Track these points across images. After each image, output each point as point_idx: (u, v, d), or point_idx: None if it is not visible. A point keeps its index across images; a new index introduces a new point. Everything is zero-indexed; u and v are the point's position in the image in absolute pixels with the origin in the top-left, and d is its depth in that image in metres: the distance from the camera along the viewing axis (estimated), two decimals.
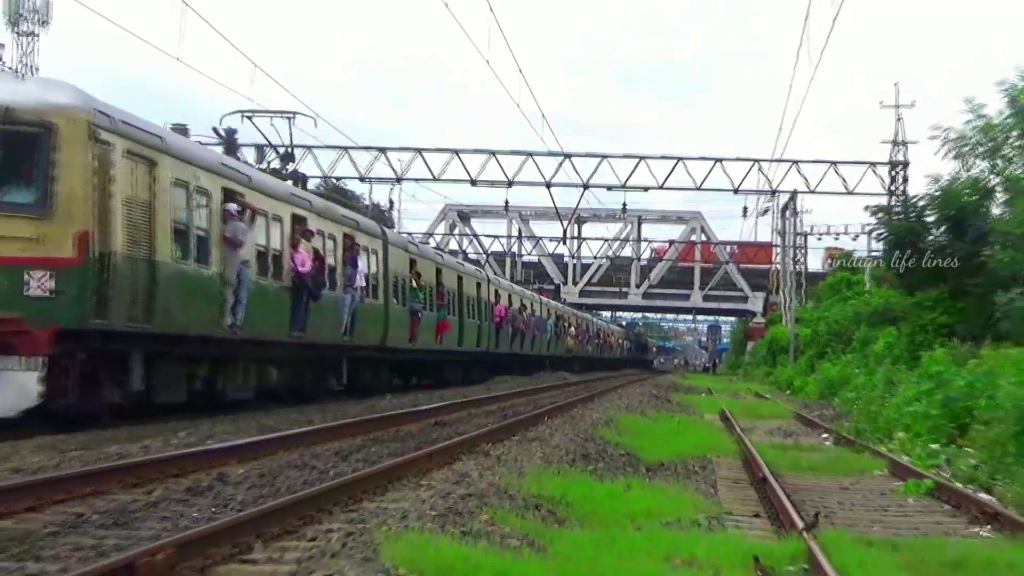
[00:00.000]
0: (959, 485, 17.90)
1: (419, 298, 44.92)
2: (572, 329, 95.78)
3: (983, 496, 16.49)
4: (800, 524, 12.93)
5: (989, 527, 14.28)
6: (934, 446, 23.52)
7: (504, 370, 68.24)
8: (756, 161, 68.92)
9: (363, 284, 36.55)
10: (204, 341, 26.91)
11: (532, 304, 78.34)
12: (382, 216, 67.26)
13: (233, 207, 27.16)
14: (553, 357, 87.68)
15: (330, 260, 34.20)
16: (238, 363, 29.40)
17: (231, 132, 33.23)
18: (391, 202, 77.10)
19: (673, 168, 69.98)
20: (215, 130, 32.96)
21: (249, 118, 35.44)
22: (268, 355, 31.30)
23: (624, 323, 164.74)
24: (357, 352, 38.53)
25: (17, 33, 46.82)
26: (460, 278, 55.44)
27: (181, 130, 29.19)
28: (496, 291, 65.48)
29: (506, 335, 66.25)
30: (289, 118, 35.89)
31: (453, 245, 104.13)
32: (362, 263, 36.52)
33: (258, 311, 28.35)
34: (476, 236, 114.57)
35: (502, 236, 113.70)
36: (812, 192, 69.95)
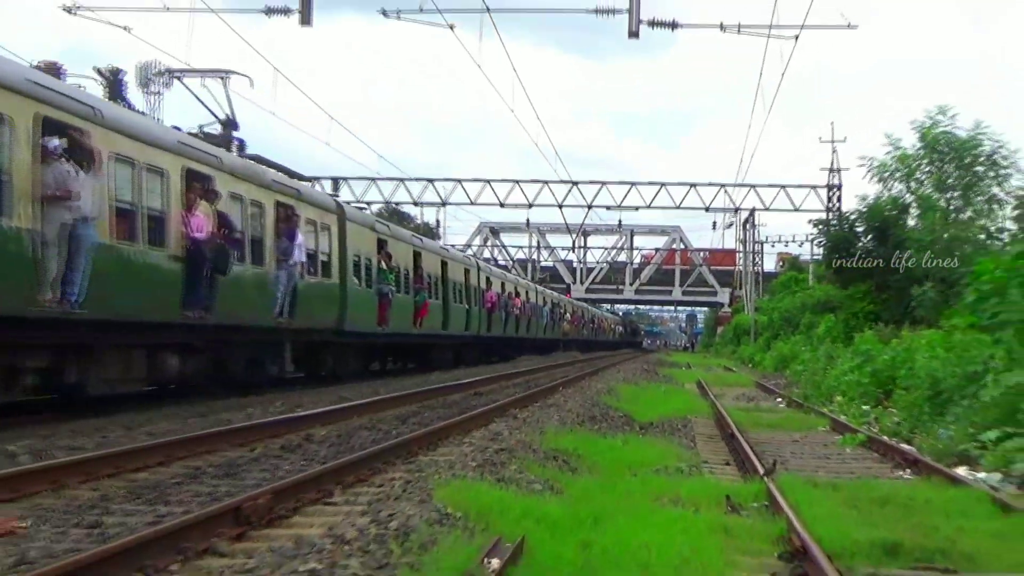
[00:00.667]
0: (885, 438, 17.81)
1: (389, 280, 34.01)
2: (568, 315, 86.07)
3: (904, 446, 16.40)
4: (761, 470, 12.88)
5: (909, 471, 14.20)
6: (865, 407, 23.46)
7: (501, 353, 58.78)
8: (723, 186, 69.25)
9: (303, 260, 25.99)
10: (12, 323, 16.21)
11: (527, 292, 67.62)
12: (431, 232, 67.23)
13: (55, 143, 17.21)
14: (550, 340, 77.20)
15: (254, 230, 23.89)
16: (103, 351, 19.01)
17: (116, 72, 22.14)
18: (438, 221, 77.30)
19: (658, 192, 70.35)
20: (97, 70, 21.98)
21: (178, 78, 26.19)
22: (153, 340, 20.61)
23: (620, 313, 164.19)
24: (306, 336, 28.07)
25: (147, 93, 46.93)
26: (444, 263, 44.41)
27: (52, 69, 19.31)
28: (487, 278, 54.28)
29: (499, 320, 55.33)
30: (223, 78, 26.04)
31: (487, 254, 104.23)
32: (303, 237, 25.95)
33: (120, 284, 18.37)
34: (504, 247, 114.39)
35: (524, 246, 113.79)
36: (767, 209, 70.48)
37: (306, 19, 21.78)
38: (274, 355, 26.56)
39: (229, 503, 8.92)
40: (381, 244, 34.07)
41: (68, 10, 24.34)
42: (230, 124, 25.78)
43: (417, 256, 38.94)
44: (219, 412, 18.77)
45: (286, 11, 22.25)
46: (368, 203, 64.13)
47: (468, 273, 48.89)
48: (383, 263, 33.64)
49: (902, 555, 8.41)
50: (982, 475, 13.29)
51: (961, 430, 16.11)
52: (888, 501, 10.98)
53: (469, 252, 72.52)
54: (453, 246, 55.58)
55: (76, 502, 9.68)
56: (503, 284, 59.05)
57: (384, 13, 24.70)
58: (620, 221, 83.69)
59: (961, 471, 13.52)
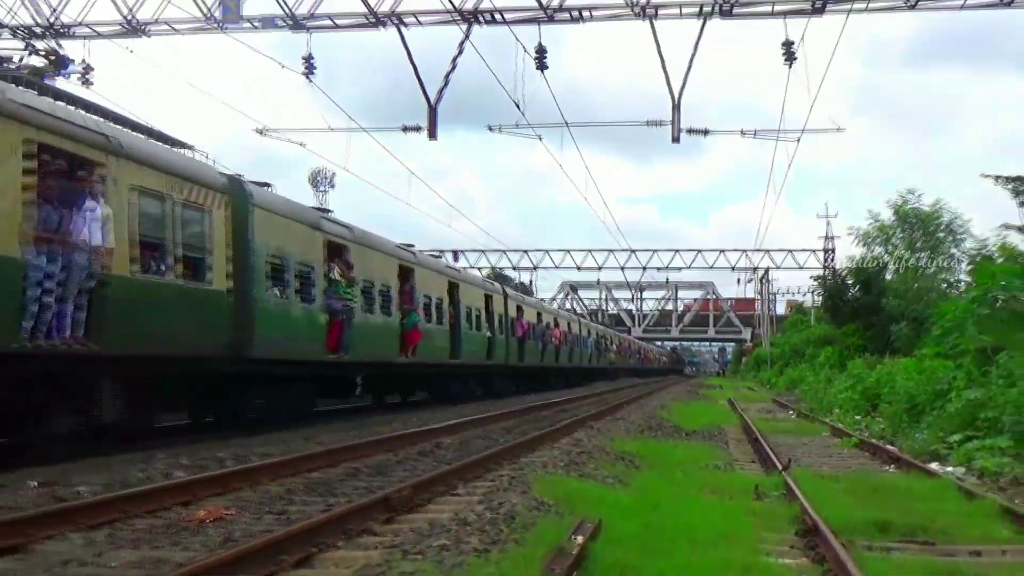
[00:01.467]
0: (874, 440, 17.47)
1: (345, 295, 20.43)
2: (614, 346, 71.94)
3: (889, 447, 16.07)
4: (779, 466, 12.68)
5: (893, 466, 13.90)
6: (857, 417, 23.11)
7: (544, 381, 45.64)
8: (744, 251, 69.86)
9: (108, 244, 12.65)
10: None
11: (569, 323, 53.17)
12: (527, 289, 67.24)
13: None
14: (595, 368, 62.62)
15: None
16: None
17: None
18: (531, 281, 77.22)
19: (695, 257, 71.13)
20: None
21: None
22: None
23: (669, 347, 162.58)
24: (159, 366, 15.06)
25: (316, 190, 47.88)
26: (454, 285, 29.98)
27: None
28: (518, 306, 39.25)
29: (534, 349, 41.05)
30: None
31: (567, 305, 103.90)
32: (105, 209, 12.70)
33: None
34: (581, 300, 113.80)
35: (596, 299, 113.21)
36: (778, 268, 70.89)
37: (432, 134, 21.96)
38: (73, 399, 13.14)
39: (380, 495, 8.91)
40: (336, 250, 20.49)
41: (260, 132, 24.80)
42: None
43: (407, 272, 25.18)
44: (371, 426, 18.85)
45: (418, 128, 22.49)
46: (480, 268, 64.76)
47: (490, 299, 34.66)
48: (339, 273, 20.32)
49: (891, 531, 8.28)
50: (950, 469, 13.05)
51: (932, 434, 15.88)
52: (878, 489, 10.78)
53: (554, 305, 71.27)
54: (542, 299, 54.65)
55: (268, 495, 9.75)
56: (539, 314, 44.87)
57: (490, 128, 24.96)
58: (667, 279, 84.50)
59: (933, 466, 13.27)
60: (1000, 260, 22.91)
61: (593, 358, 60.03)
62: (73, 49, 22.14)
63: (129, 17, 21.78)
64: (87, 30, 22.26)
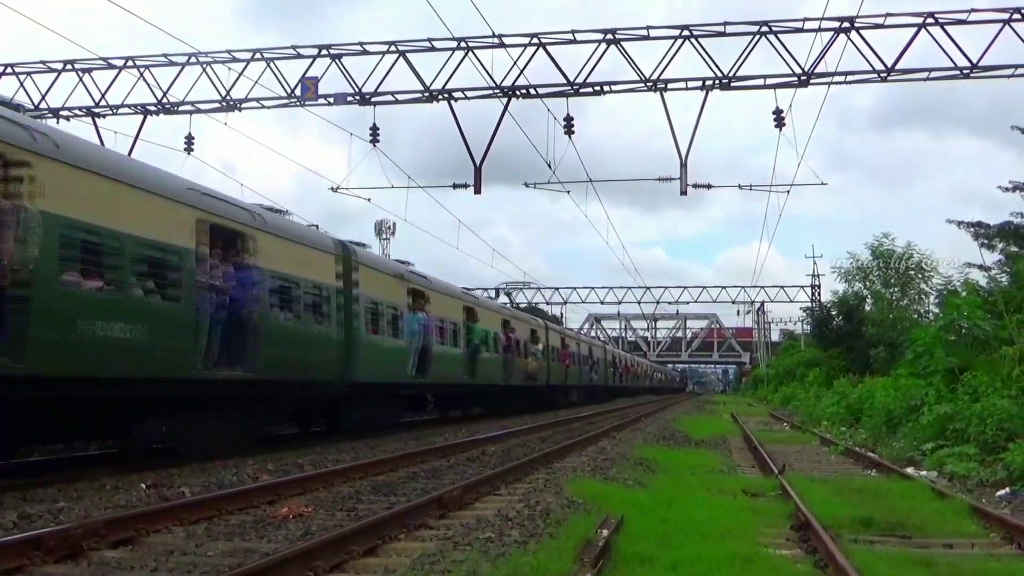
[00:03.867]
0: (857, 448, 17.19)
1: None
2: (539, 346, 34.70)
3: (870, 454, 15.81)
4: (776, 470, 12.51)
5: (874, 470, 13.67)
6: (842, 428, 22.79)
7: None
8: (743, 287, 69.65)
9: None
10: None
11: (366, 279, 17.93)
12: (558, 320, 67.03)
13: None
14: (485, 387, 26.98)
15: None
16: None
17: None
18: (562, 313, 76.98)
19: (701, 292, 70.66)
20: None
21: None
22: None
23: (679, 369, 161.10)
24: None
25: (379, 239, 48.11)
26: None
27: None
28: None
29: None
30: None
31: (592, 334, 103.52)
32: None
33: None
34: (604, 328, 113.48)
35: (616, 328, 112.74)
36: (772, 301, 70.32)
37: (477, 189, 22.00)
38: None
39: (435, 495, 8.87)
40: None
41: (333, 189, 25.02)
42: None
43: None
44: (427, 436, 18.83)
45: (465, 185, 22.56)
46: (517, 304, 64.75)
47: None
48: None
49: (873, 526, 8.13)
50: (924, 473, 12.84)
51: (908, 443, 15.65)
52: (862, 490, 10.61)
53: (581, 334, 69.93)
54: (571, 330, 53.72)
55: (340, 495, 9.75)
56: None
57: (525, 184, 24.97)
58: (677, 311, 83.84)
59: (909, 470, 13.06)
60: (964, 294, 22.67)
61: (467, 370, 25.10)
62: (180, 122, 22.75)
63: (225, 95, 22.10)
64: (190, 107, 22.62)
